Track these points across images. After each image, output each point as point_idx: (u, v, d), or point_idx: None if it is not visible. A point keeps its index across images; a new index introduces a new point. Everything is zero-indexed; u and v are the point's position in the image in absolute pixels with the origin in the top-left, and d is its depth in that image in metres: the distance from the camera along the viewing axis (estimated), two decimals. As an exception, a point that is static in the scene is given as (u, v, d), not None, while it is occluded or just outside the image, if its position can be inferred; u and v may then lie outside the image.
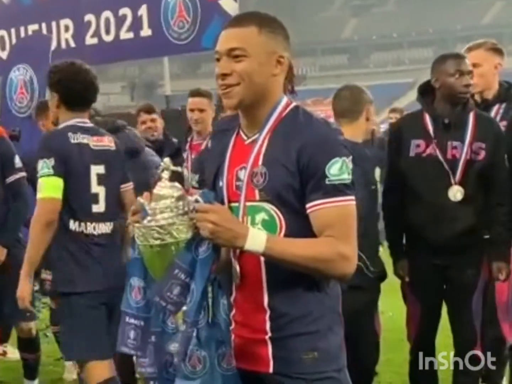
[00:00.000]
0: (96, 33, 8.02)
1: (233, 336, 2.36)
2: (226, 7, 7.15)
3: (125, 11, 7.83)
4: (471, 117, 4.20)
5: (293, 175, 2.25)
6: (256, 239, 2.19)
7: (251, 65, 2.27)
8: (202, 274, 2.22)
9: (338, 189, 2.24)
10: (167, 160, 2.31)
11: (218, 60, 2.34)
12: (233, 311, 2.38)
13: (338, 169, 2.23)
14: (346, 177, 2.25)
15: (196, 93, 5.99)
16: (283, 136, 2.30)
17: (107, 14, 7.95)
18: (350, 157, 2.27)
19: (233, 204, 2.34)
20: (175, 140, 6.25)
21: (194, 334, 2.25)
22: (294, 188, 2.26)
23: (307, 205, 2.25)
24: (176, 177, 2.33)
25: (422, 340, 4.36)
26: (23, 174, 4.94)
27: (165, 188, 2.25)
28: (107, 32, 7.96)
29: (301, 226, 2.26)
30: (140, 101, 58.37)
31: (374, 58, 68.90)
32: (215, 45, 7.25)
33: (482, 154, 4.15)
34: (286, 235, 2.27)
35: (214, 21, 7.23)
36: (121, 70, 59.27)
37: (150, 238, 2.22)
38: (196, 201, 2.24)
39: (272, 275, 2.29)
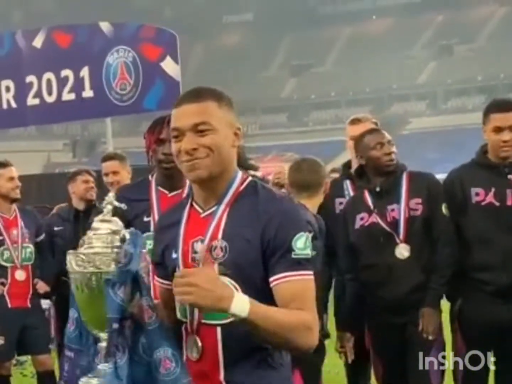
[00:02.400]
0: (38, 94, 8.05)
1: None
2: (168, 69, 7.30)
3: (67, 72, 7.90)
4: (404, 178, 4.46)
5: (254, 250, 2.27)
6: (241, 302, 2.16)
7: (218, 138, 2.30)
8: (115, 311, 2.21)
9: (302, 264, 2.28)
10: (111, 195, 2.33)
11: (176, 137, 2.33)
12: None
13: (303, 244, 2.28)
14: (309, 252, 2.30)
15: (107, 157, 6.20)
16: (244, 210, 2.32)
17: (49, 75, 7.99)
18: (312, 233, 2.36)
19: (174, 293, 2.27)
20: None
21: (112, 371, 2.22)
22: (255, 262, 2.27)
23: (272, 278, 2.27)
24: (118, 213, 2.34)
25: None
26: None
27: (104, 221, 2.27)
28: (49, 93, 8.00)
29: (258, 300, 2.23)
30: (82, 158, 58.22)
31: (313, 116, 69.90)
32: (157, 107, 7.33)
33: (420, 209, 4.38)
34: None
35: (156, 83, 7.36)
36: (63, 127, 58.93)
37: (74, 265, 2.21)
38: (123, 237, 2.23)
39: (229, 348, 2.29)
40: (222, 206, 2.35)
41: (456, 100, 65.24)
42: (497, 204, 4.25)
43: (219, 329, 2.30)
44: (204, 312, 2.26)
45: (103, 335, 2.25)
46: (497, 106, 4.29)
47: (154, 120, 3.91)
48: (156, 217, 3.84)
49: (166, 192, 3.91)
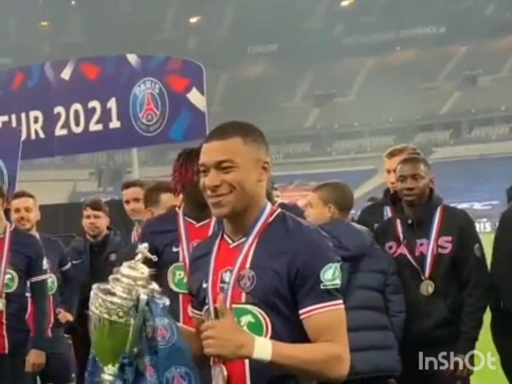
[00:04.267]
0: (66, 125, 8.17)
1: None
2: (194, 100, 7.38)
3: (94, 103, 8.02)
4: (437, 212, 4.42)
5: (282, 280, 2.31)
6: (264, 347, 2.22)
7: (241, 175, 2.36)
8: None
9: (332, 294, 2.31)
10: (145, 245, 2.39)
11: (203, 171, 2.40)
12: None
13: (332, 274, 2.31)
14: (338, 282, 2.33)
15: (129, 184, 6.10)
16: (272, 241, 2.37)
17: (76, 106, 8.12)
18: (340, 263, 2.37)
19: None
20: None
21: None
22: (282, 293, 2.32)
23: (301, 311, 2.31)
24: (148, 264, 2.40)
25: None
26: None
27: (133, 269, 2.34)
28: (77, 124, 8.12)
29: (286, 330, 2.32)
30: (108, 187, 58.51)
31: (336, 146, 69.99)
32: (183, 137, 7.41)
33: (449, 248, 4.35)
34: (271, 338, 2.29)
35: (182, 114, 7.45)
36: (89, 157, 59.41)
37: (93, 306, 2.31)
38: (138, 296, 2.30)
39: (257, 377, 2.33)
40: (251, 237, 2.40)
41: (480, 130, 65.09)
42: None
43: (246, 360, 2.33)
44: (229, 360, 2.29)
45: (107, 369, 2.34)
46: None
47: (191, 150, 3.95)
48: (185, 247, 3.92)
49: (194, 222, 3.98)
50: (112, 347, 2.31)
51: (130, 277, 2.32)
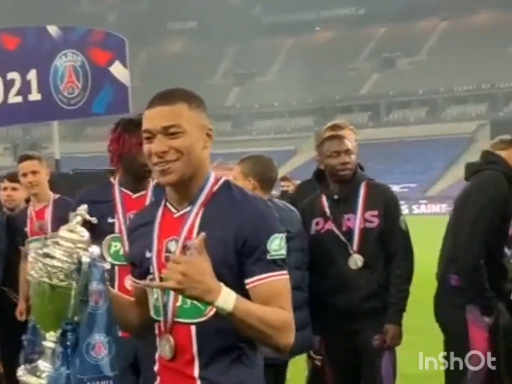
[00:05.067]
0: (-16, 96, 7.92)
1: None
2: (117, 74, 7.25)
3: (14, 75, 7.77)
4: (361, 188, 4.49)
5: (229, 250, 2.29)
6: (228, 297, 2.19)
7: (189, 140, 2.32)
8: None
9: (278, 264, 2.31)
10: (84, 207, 2.35)
11: (148, 138, 2.35)
12: (157, 381, 2.40)
13: (278, 245, 2.31)
14: (284, 252, 2.33)
15: (24, 157, 5.97)
16: (218, 211, 2.34)
17: (-5, 77, 7.87)
18: (285, 234, 2.37)
19: (162, 275, 2.30)
20: None
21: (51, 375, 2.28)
22: (229, 262, 2.30)
23: (248, 280, 2.30)
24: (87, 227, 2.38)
25: None
26: None
27: (70, 231, 2.30)
28: (-5, 95, 7.87)
29: None
30: (22, 164, 57.59)
31: (256, 125, 70.16)
32: (105, 111, 7.27)
33: (376, 222, 4.43)
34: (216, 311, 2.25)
35: (105, 87, 7.31)
36: (4, 131, 58.06)
37: (32, 271, 2.26)
38: (79, 259, 2.26)
39: (204, 346, 2.31)
40: (196, 207, 2.37)
41: (398, 112, 66.25)
42: None
43: (193, 328, 2.32)
44: (188, 299, 2.26)
45: (49, 336, 2.29)
46: None
47: (129, 120, 3.90)
48: (121, 218, 3.86)
49: (130, 193, 3.93)
50: (54, 312, 2.25)
51: (70, 240, 2.26)
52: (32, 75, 7.68)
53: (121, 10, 75.73)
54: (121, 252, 3.84)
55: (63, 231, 2.29)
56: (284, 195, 10.08)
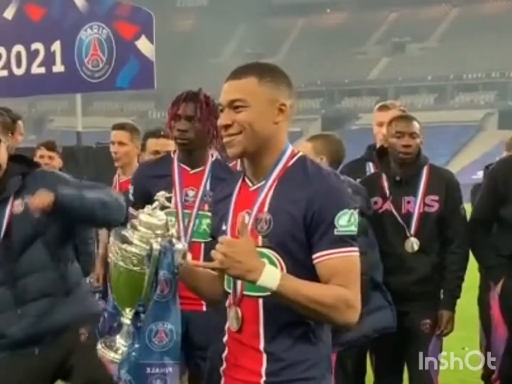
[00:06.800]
0: (7, 66, 7.89)
1: (223, 377, 2.40)
2: (143, 48, 7.22)
3: (38, 46, 7.76)
4: (424, 171, 4.48)
5: (298, 224, 2.31)
6: (271, 275, 2.23)
7: (251, 115, 2.35)
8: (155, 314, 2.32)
9: (345, 240, 2.31)
10: (161, 193, 2.38)
11: (221, 111, 2.41)
12: (226, 352, 2.42)
13: (347, 221, 2.30)
14: (353, 229, 2.32)
15: (117, 126, 5.92)
16: (290, 185, 2.36)
17: (18, 47, 7.84)
18: (357, 210, 2.38)
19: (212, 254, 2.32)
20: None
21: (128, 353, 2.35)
22: (298, 237, 2.31)
23: (314, 255, 2.31)
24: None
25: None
26: None
27: (151, 216, 2.34)
28: (18, 65, 7.85)
29: (301, 275, 2.29)
30: (29, 136, 57.46)
31: (263, 106, 70.07)
32: (130, 85, 7.23)
33: (436, 207, 4.43)
34: None
35: (130, 62, 7.28)
36: (10, 104, 57.97)
37: (110, 253, 2.35)
38: (151, 246, 2.31)
39: (271, 320, 2.34)
40: (270, 180, 2.39)
41: (405, 98, 66.09)
42: None
43: (260, 301, 2.34)
44: (233, 278, 2.33)
45: (126, 314, 2.36)
46: None
47: (177, 95, 3.92)
48: (178, 193, 3.86)
49: (188, 169, 3.93)
50: (129, 292, 2.32)
51: (147, 225, 2.30)
52: (56, 46, 7.66)
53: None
54: (176, 227, 3.85)
55: (143, 215, 2.33)
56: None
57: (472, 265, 4.68)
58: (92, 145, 8.33)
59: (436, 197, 4.43)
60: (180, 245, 2.37)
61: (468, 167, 51.91)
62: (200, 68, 65.48)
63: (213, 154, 3.98)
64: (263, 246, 2.33)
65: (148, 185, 3.85)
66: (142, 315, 2.37)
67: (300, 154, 2.46)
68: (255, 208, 2.38)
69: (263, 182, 2.41)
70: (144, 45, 7.22)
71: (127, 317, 2.35)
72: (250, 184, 2.46)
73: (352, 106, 63.47)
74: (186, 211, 3.86)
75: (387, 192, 4.48)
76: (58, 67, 7.66)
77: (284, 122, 2.42)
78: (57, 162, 6.23)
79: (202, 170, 3.92)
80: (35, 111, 63.02)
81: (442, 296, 4.50)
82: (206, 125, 3.82)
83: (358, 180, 4.62)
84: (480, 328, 5.76)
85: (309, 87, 66.53)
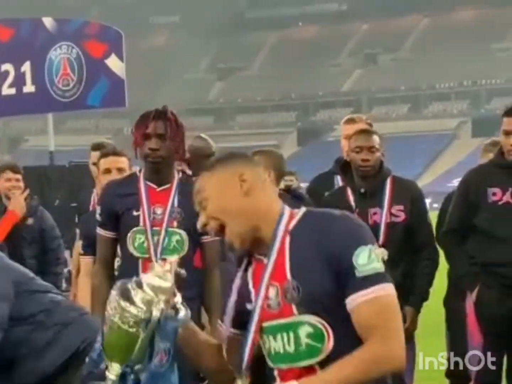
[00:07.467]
0: (-23, 88, 7.88)
1: None
2: (113, 66, 7.27)
3: (7, 66, 7.77)
4: (388, 183, 4.56)
5: (326, 277, 2.17)
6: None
7: (216, 204, 2.25)
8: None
9: (370, 280, 2.15)
10: (174, 259, 2.28)
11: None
12: None
13: (367, 258, 2.16)
14: (376, 265, 2.18)
15: (112, 152, 5.66)
16: (303, 243, 2.22)
17: (-12, 69, 7.84)
18: (375, 244, 2.21)
19: (269, 324, 2.24)
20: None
21: None
22: (331, 290, 2.18)
23: (346, 303, 2.17)
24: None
25: None
26: None
27: (160, 278, 2.23)
28: (-12, 87, 7.84)
29: (347, 329, 2.17)
30: (4, 155, 57.19)
31: (239, 120, 70.11)
32: (101, 104, 7.28)
33: (402, 216, 4.51)
34: (336, 342, 2.17)
35: (101, 80, 7.33)
36: (-17, 124, 57.75)
37: (108, 306, 2.23)
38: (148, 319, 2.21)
39: None
40: (275, 249, 2.25)
41: (380, 108, 66.43)
42: None
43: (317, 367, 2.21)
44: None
45: (112, 368, 2.25)
46: (507, 111, 4.41)
47: (141, 114, 3.92)
48: (146, 211, 3.87)
49: (155, 186, 3.93)
50: (120, 349, 2.22)
51: (153, 289, 2.21)
52: (26, 67, 7.69)
53: (104, 3, 75.34)
54: (145, 245, 3.86)
55: (151, 276, 2.23)
56: (289, 189, 10.08)
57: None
58: (66, 164, 8.34)
59: (402, 207, 4.50)
60: (183, 314, 2.26)
61: (443, 175, 52.33)
62: (175, 84, 65.53)
63: (178, 171, 3.99)
64: (300, 314, 2.19)
65: (115, 204, 3.87)
66: (128, 376, 2.25)
67: (301, 212, 2.30)
68: (278, 279, 2.23)
69: (273, 254, 2.25)
70: (114, 63, 7.27)
71: (112, 372, 2.24)
72: (262, 258, 2.29)
73: (327, 118, 63.63)
74: (155, 228, 3.87)
75: (353, 205, 4.53)
76: (29, 88, 7.68)
77: (253, 190, 2.27)
78: (22, 184, 6.21)
79: (169, 187, 3.92)
80: (9, 131, 62.68)
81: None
82: (176, 143, 3.84)
83: (326, 193, 4.67)
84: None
85: (283, 101, 66.83)
